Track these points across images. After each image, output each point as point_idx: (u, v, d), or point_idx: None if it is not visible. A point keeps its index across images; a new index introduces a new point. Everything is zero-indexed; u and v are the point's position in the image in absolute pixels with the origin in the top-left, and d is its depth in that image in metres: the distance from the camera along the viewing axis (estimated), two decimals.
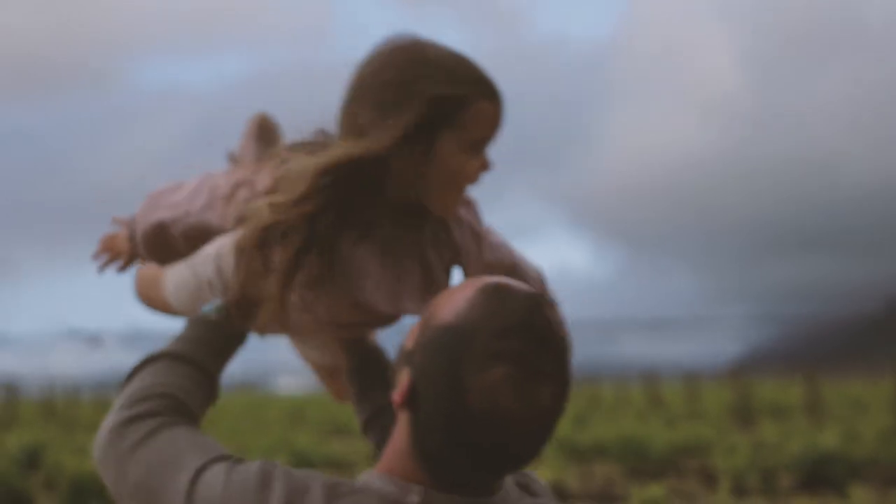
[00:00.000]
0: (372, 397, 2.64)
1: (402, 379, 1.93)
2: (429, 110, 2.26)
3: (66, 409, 35.94)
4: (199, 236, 2.48)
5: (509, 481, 2.07)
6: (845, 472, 12.59)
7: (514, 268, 2.61)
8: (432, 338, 1.91)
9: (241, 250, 2.29)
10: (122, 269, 2.69)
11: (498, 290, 1.93)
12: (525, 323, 1.87)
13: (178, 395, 2.14)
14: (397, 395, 1.93)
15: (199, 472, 1.94)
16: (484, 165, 2.34)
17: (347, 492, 1.92)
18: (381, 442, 2.50)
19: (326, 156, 2.26)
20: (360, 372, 2.71)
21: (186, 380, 2.19)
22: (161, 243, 2.54)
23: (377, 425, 2.58)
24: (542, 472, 12.70)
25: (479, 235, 2.54)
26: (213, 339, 2.33)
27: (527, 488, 2.13)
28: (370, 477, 1.97)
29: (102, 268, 2.70)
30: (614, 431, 17.03)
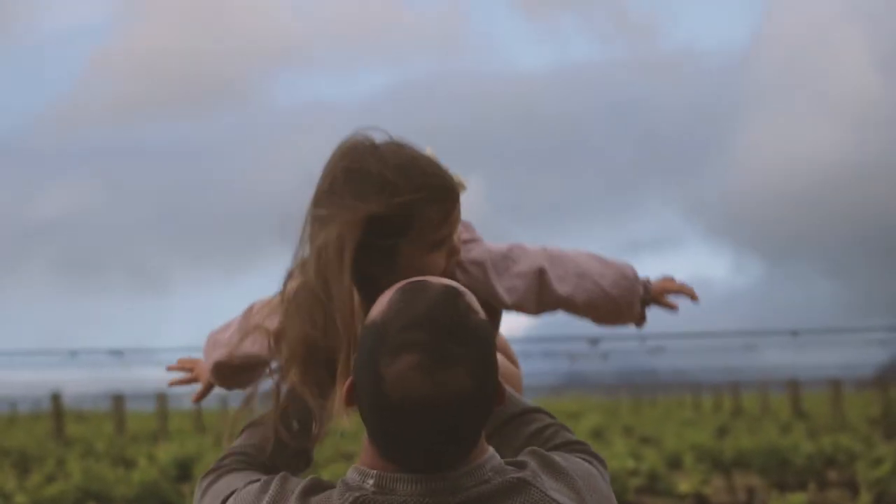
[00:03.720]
0: None
1: (347, 381, 2.14)
2: (378, 231, 2.35)
3: (215, 420, 36.57)
4: (247, 368, 2.67)
5: (495, 459, 2.16)
6: None
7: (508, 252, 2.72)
8: (360, 338, 2.11)
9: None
10: (197, 398, 2.86)
11: (413, 286, 2.11)
12: (432, 314, 2.02)
13: (249, 452, 2.46)
14: (344, 397, 2.14)
15: (227, 498, 2.27)
16: (453, 252, 2.48)
17: (322, 488, 2.15)
18: None
19: (290, 341, 2.41)
20: None
21: (263, 441, 2.49)
22: (225, 379, 2.78)
23: None
24: (683, 483, 12.68)
25: (481, 265, 2.67)
26: (294, 405, 2.51)
27: (521, 467, 2.17)
28: (349, 471, 2.16)
29: (175, 383, 2.92)
30: (757, 442, 16.87)
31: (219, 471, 2.41)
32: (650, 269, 2.93)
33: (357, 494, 2.08)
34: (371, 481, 2.10)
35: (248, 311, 2.68)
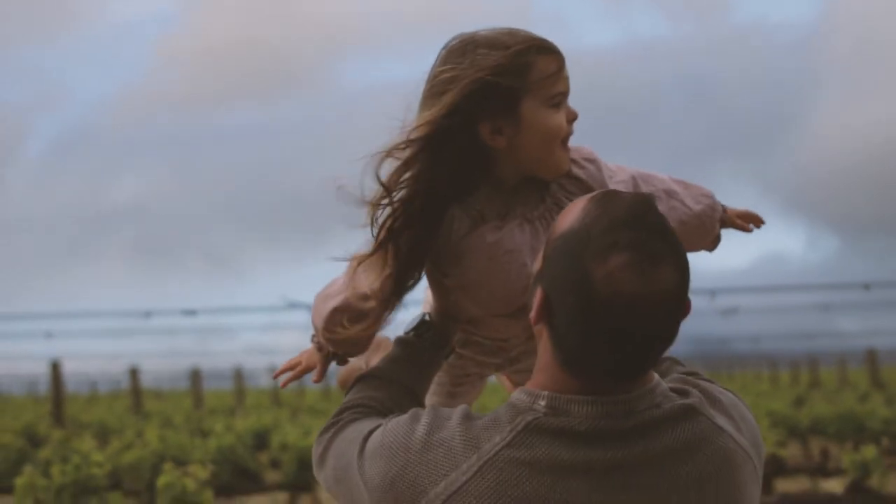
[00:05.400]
0: None
1: (536, 297, 2.09)
2: (499, 71, 2.39)
3: (291, 397, 36.86)
4: (365, 313, 2.59)
5: (662, 385, 2.17)
6: None
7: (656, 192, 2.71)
8: (554, 248, 2.07)
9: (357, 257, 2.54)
10: (319, 377, 2.75)
11: (606, 195, 2.10)
12: (634, 215, 2.02)
13: (367, 404, 2.43)
14: (533, 313, 2.09)
15: (368, 434, 2.23)
16: (571, 116, 2.48)
17: (481, 415, 2.13)
18: None
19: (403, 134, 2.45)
20: None
21: (378, 391, 2.48)
22: (340, 334, 2.62)
23: None
24: None
25: (595, 162, 2.64)
26: (407, 355, 2.61)
27: (685, 395, 2.18)
28: (515, 393, 2.14)
29: (285, 384, 2.82)
30: (833, 410, 16.73)
31: (340, 423, 2.39)
32: (724, 244, 3.00)
33: (530, 418, 2.07)
34: (543, 402, 2.09)
35: (352, 261, 2.61)
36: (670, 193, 2.77)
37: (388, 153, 2.46)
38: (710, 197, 2.85)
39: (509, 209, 2.54)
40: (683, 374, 2.40)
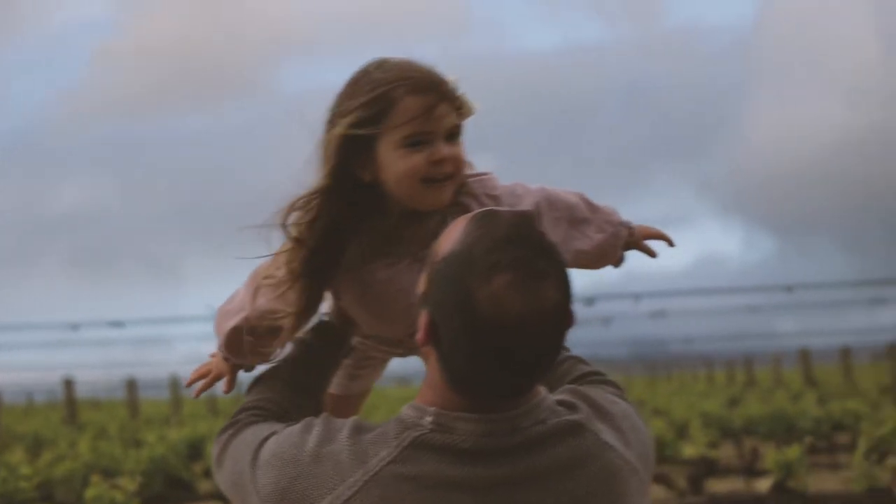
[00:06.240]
0: None
1: (421, 319, 2.11)
2: (355, 123, 2.43)
3: (228, 405, 36.62)
4: (262, 326, 2.63)
5: (549, 399, 2.19)
6: None
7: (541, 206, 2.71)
8: (437, 270, 2.09)
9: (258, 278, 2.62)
10: (229, 388, 2.77)
11: (486, 215, 2.12)
12: (514, 234, 2.04)
13: (265, 406, 2.48)
14: (420, 335, 2.11)
15: (263, 442, 2.25)
16: (433, 157, 2.45)
17: (371, 428, 2.15)
18: None
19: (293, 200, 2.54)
20: None
21: (277, 393, 2.53)
22: (240, 346, 2.66)
23: None
24: (688, 448, 12.72)
25: (497, 199, 2.64)
26: (305, 356, 2.65)
27: (573, 409, 2.21)
28: (404, 407, 2.16)
29: (198, 393, 2.84)
30: (765, 409, 16.88)
31: (237, 425, 2.41)
32: (663, 246, 3.01)
33: (416, 434, 2.09)
34: (429, 418, 2.11)
35: (254, 274, 2.68)
36: (573, 221, 2.77)
37: (291, 208, 2.53)
38: (615, 224, 2.85)
39: (403, 245, 2.57)
40: (582, 376, 2.45)
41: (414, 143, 2.45)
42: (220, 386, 2.77)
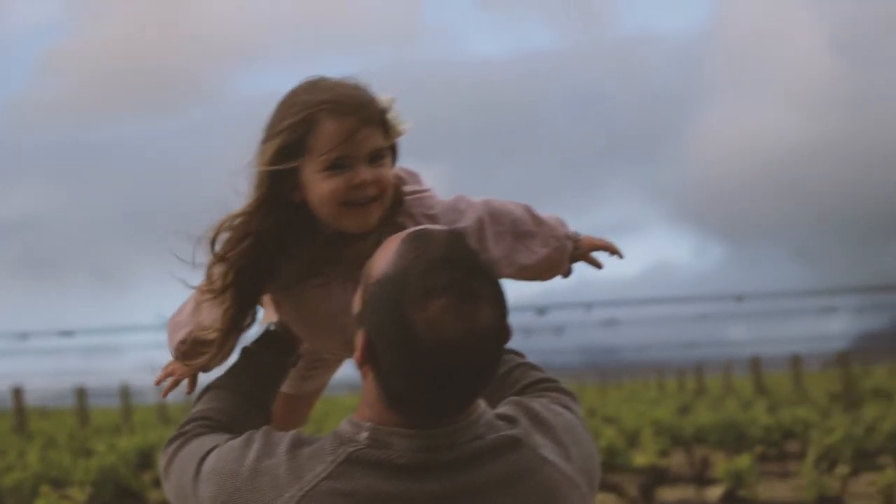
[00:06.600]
0: None
1: (359, 339, 2.12)
2: (280, 148, 2.46)
3: (178, 413, 36.47)
4: (205, 339, 2.67)
5: (487, 414, 2.19)
6: None
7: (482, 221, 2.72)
8: (372, 293, 2.09)
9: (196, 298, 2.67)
10: (190, 389, 2.79)
11: (418, 235, 2.12)
12: (448, 254, 2.04)
13: (213, 416, 2.47)
14: (357, 355, 2.12)
15: (205, 455, 2.26)
16: (352, 181, 2.46)
17: (310, 441, 2.16)
18: None
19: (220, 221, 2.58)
20: None
21: (224, 403, 2.53)
22: (191, 357, 2.71)
23: None
24: (639, 456, 12.76)
25: (434, 218, 2.65)
26: (252, 365, 2.67)
27: (512, 422, 2.21)
28: (343, 422, 2.17)
29: (166, 393, 2.84)
30: (716, 418, 16.96)
31: (184, 436, 2.40)
32: (614, 255, 3.00)
33: (351, 449, 2.10)
34: (365, 434, 2.11)
35: (196, 294, 2.70)
36: (518, 236, 2.77)
37: (220, 228, 2.57)
38: (560, 237, 2.85)
39: (337, 265, 2.59)
40: (534, 383, 2.45)
41: (335, 166, 2.46)
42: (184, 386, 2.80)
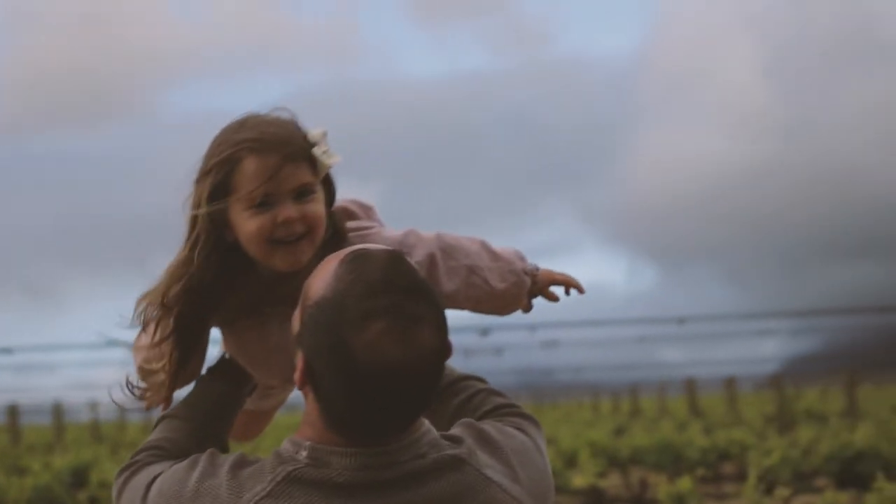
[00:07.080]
0: None
1: (298, 361, 2.13)
2: (208, 188, 2.44)
3: (112, 431, 36.13)
4: (155, 379, 2.67)
5: (431, 433, 2.20)
6: (876, 469, 12.54)
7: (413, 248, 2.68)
8: (311, 315, 2.10)
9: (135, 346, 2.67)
10: (166, 405, 2.73)
11: (356, 257, 2.13)
12: (386, 278, 2.05)
13: (164, 446, 2.46)
14: (297, 376, 2.13)
15: (152, 482, 2.26)
16: (278, 217, 2.43)
17: (251, 462, 2.18)
18: None
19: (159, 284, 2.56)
20: None
21: (176, 433, 2.51)
22: (151, 382, 2.70)
23: None
24: (577, 478, 12.81)
25: None
26: (207, 394, 2.66)
27: (458, 443, 2.22)
28: (284, 441, 2.18)
29: (147, 407, 2.78)
30: (652, 439, 17.05)
31: (134, 466, 2.39)
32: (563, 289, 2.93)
33: (290, 468, 2.10)
34: (305, 453, 2.12)
35: (140, 334, 2.69)
36: (474, 270, 2.73)
37: (169, 283, 2.54)
38: (518, 272, 2.80)
39: (275, 303, 2.56)
40: (494, 409, 2.45)
41: (260, 204, 2.43)
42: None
